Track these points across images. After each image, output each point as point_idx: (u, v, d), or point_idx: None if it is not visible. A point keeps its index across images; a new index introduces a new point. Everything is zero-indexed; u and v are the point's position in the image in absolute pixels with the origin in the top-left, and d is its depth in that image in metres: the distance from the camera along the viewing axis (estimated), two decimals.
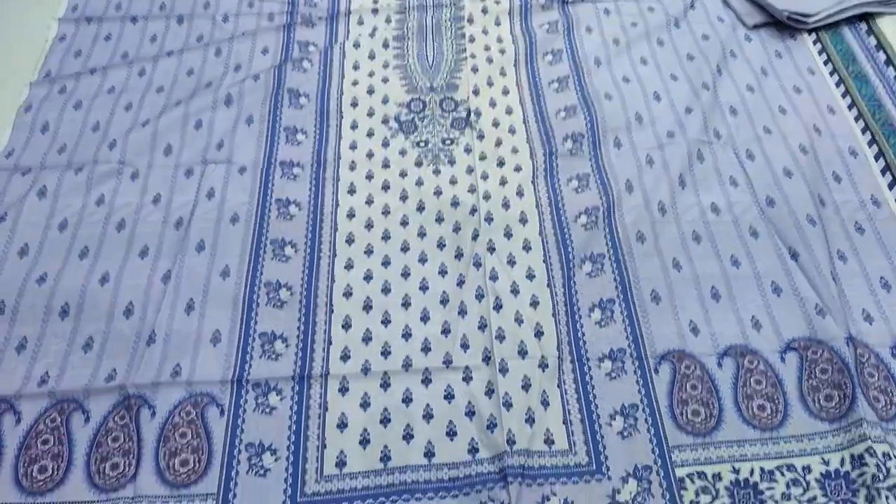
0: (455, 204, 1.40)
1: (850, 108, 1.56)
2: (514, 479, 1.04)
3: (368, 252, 1.33)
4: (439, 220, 1.38)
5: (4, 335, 1.20)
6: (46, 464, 1.07)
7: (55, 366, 1.17)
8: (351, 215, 1.39)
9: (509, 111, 1.58)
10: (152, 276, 1.28)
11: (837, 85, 1.62)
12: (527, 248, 1.34)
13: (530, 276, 1.29)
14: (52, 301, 1.24)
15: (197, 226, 1.35)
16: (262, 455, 1.08)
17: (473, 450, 1.09)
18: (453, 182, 1.44)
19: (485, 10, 1.82)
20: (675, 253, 1.32)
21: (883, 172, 1.44)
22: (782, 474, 1.06)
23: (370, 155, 1.50)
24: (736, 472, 1.07)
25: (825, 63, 1.67)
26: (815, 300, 1.23)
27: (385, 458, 1.09)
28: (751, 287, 1.27)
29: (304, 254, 1.33)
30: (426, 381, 1.17)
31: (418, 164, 1.48)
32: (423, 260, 1.33)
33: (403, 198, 1.42)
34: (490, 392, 1.15)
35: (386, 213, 1.40)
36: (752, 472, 1.07)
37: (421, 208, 1.40)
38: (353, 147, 1.51)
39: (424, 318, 1.25)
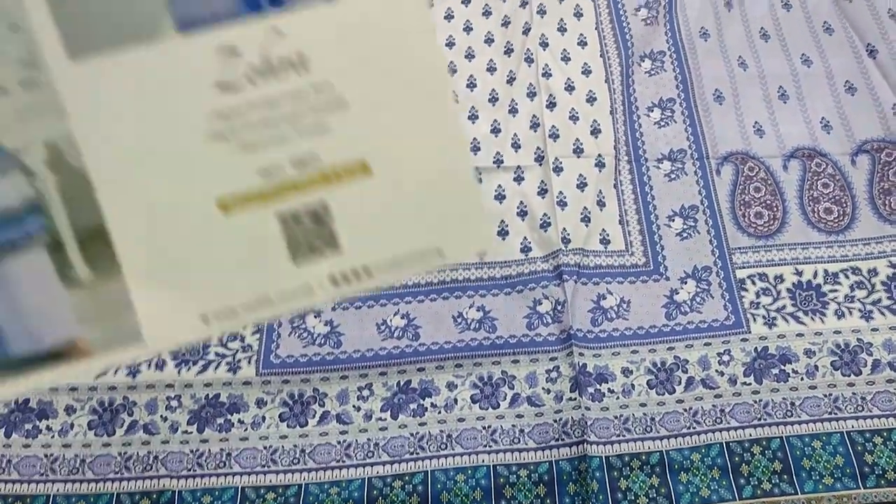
0: None
1: None
2: (569, 277, 1.01)
3: None
4: (486, 13, 1.28)
5: None
6: None
7: None
8: None
9: None
10: None
11: None
12: (582, 43, 1.24)
13: (586, 72, 1.21)
14: None
15: None
16: None
17: (526, 248, 1.06)
18: None
19: None
20: (740, 51, 1.23)
21: None
22: (846, 277, 1.03)
23: None
24: (799, 273, 1.03)
25: None
26: (892, 100, 1.15)
27: None
28: (822, 86, 1.18)
29: None
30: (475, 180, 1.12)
31: None
32: (469, 56, 1.24)
33: None
34: (543, 192, 1.10)
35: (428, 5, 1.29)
36: (815, 275, 1.03)
37: (466, 1, 1.30)
38: None
39: (472, 116, 1.18)
